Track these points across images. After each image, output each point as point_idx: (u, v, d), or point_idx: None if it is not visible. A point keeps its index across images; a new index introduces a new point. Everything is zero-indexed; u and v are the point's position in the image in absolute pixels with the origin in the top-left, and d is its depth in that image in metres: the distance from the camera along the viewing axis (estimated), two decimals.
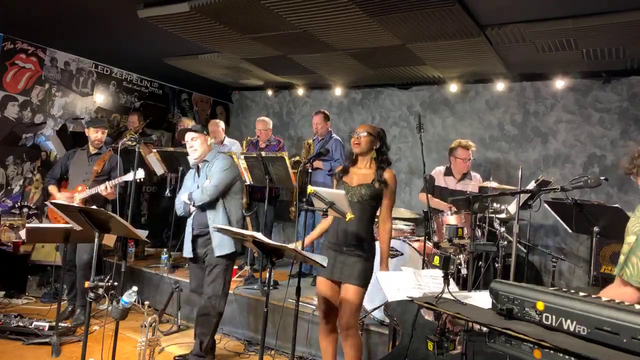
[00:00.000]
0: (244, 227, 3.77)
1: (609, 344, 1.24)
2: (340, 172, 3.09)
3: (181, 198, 3.60)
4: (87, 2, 4.20)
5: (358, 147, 2.98)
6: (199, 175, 3.61)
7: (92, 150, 4.55)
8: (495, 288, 1.56)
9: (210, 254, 3.47)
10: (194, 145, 3.53)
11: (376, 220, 3.14)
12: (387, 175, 2.93)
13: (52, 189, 4.49)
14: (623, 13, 3.50)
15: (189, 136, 3.56)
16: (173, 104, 7.37)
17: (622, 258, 1.77)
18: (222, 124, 5.85)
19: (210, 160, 3.57)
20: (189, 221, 3.60)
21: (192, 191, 3.53)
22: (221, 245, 3.43)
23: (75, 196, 4.34)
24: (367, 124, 3.11)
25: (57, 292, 4.65)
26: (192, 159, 3.62)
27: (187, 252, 3.58)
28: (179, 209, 3.64)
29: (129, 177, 4.06)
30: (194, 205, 3.50)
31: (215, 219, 3.46)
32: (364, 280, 2.87)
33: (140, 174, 3.93)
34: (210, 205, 3.48)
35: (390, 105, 6.39)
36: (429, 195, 3.97)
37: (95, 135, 4.51)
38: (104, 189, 4.23)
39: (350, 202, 2.75)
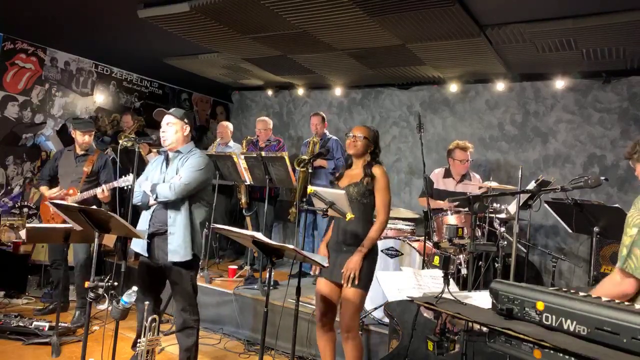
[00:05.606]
0: (208, 232, 3.36)
1: (609, 344, 1.24)
2: (336, 178, 3.12)
3: (142, 186, 3.19)
4: (87, 2, 4.20)
5: (354, 148, 2.97)
6: (167, 166, 3.23)
7: (79, 151, 4.43)
8: (495, 288, 1.56)
9: (166, 256, 3.10)
10: (167, 131, 3.18)
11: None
12: (375, 170, 2.91)
13: (44, 189, 4.41)
14: (623, 13, 3.50)
15: (165, 120, 3.22)
16: (173, 104, 7.35)
17: (624, 250, 1.74)
18: (231, 126, 5.98)
19: (184, 153, 3.21)
20: (145, 214, 3.21)
21: (156, 183, 3.13)
22: (176, 252, 3.07)
23: (68, 199, 4.19)
24: (363, 126, 3.06)
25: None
26: (163, 145, 3.25)
27: (140, 247, 3.19)
28: (136, 197, 3.19)
29: (123, 182, 3.76)
30: (155, 200, 3.10)
31: (177, 219, 3.10)
32: (363, 282, 2.83)
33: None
34: (173, 203, 3.09)
35: (390, 105, 6.38)
36: (428, 197, 3.98)
37: (83, 138, 4.38)
38: (101, 192, 3.99)
39: None
